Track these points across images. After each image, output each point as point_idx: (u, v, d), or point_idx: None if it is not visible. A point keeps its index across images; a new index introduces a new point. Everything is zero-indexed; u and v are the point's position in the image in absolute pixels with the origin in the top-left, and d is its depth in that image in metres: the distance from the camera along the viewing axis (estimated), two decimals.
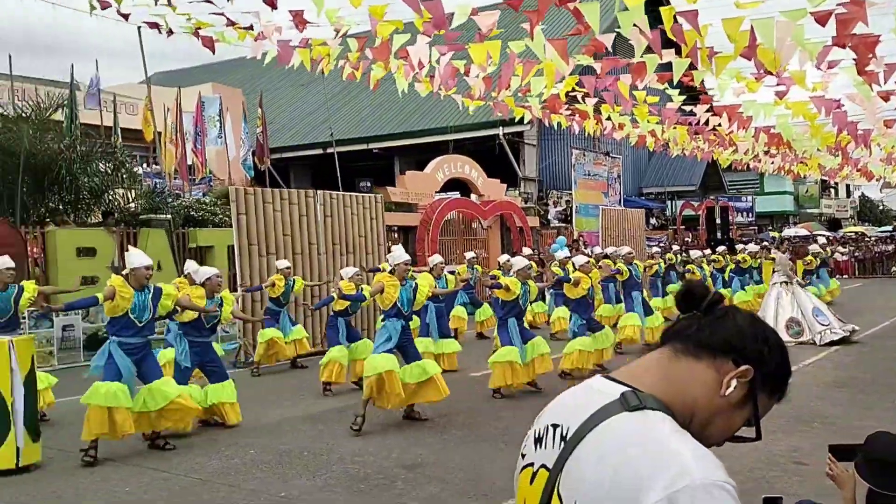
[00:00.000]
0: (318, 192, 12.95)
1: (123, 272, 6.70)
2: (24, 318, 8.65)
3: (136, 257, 6.70)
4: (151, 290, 6.63)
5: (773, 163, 18.43)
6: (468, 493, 5.12)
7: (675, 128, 13.32)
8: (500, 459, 5.91)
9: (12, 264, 7.86)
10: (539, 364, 8.28)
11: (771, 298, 11.90)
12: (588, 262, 9.93)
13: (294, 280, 10.94)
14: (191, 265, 8.98)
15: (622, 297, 11.59)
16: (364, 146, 28.08)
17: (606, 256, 11.54)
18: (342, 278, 9.56)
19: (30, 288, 7.96)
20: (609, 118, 12.18)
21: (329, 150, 27.38)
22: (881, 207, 56.39)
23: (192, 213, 15.66)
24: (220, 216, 16.32)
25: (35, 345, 7.09)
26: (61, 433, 7.11)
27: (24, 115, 13.26)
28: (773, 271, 12.73)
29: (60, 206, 13.95)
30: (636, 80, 8.62)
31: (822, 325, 11.29)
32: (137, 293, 6.49)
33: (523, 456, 1.36)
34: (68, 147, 13.54)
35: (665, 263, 14.75)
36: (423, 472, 5.64)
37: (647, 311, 11.24)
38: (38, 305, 7.18)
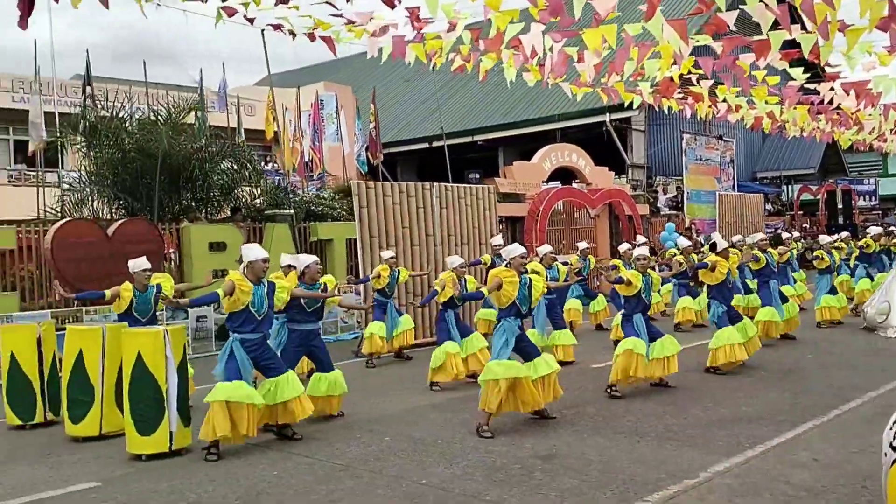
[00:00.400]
0: (434, 184, 13.12)
1: (241, 267, 6.74)
2: (161, 310, 9.09)
3: (253, 251, 6.71)
4: (266, 285, 6.63)
5: None
6: (608, 486, 5.08)
7: (794, 108, 12.70)
8: (636, 452, 5.84)
9: (149, 265, 8.12)
10: (667, 365, 7.95)
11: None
12: (726, 246, 9.56)
13: (399, 270, 11.00)
14: (285, 258, 9.08)
15: (758, 286, 11.13)
16: (469, 138, 28.24)
17: (733, 245, 11.10)
18: (447, 268, 9.38)
19: (167, 286, 8.26)
20: (724, 100, 11.76)
21: (435, 144, 27.86)
22: None
23: (312, 207, 16.20)
24: (339, 210, 16.81)
25: None
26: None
27: (160, 118, 14.05)
28: None
29: (193, 203, 14.74)
30: (758, 59, 8.26)
31: None
32: (256, 287, 6.52)
33: (894, 449, 1.32)
34: (200, 147, 14.28)
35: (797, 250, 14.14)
36: (559, 463, 5.64)
37: (783, 300, 10.77)
38: (170, 302, 7.46)
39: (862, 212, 31.34)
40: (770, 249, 11.22)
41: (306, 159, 19.78)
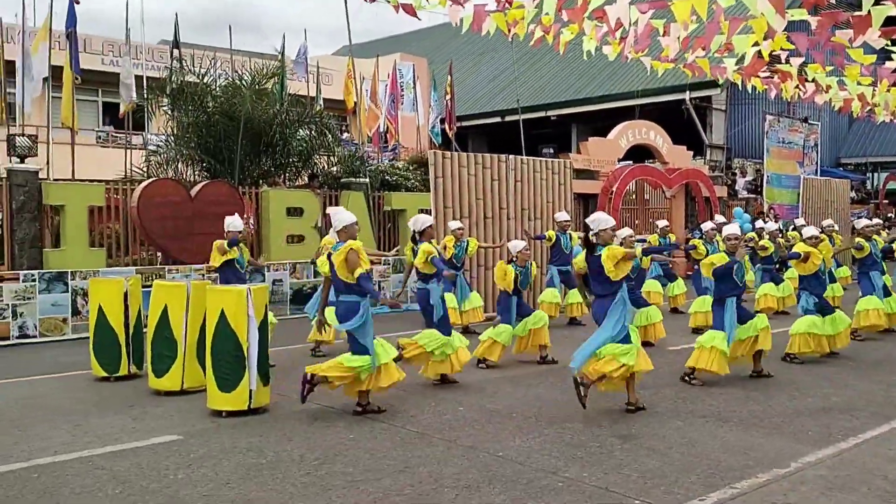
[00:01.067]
0: (510, 156, 12.95)
1: (332, 230, 6.83)
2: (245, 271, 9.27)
3: (345, 213, 6.64)
4: None
5: None
6: (692, 470, 4.92)
7: (888, 90, 11.99)
8: (720, 437, 5.65)
9: (241, 226, 8.48)
10: (761, 341, 7.55)
11: None
12: (817, 234, 9.09)
13: (467, 241, 10.69)
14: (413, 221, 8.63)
15: (858, 277, 10.54)
16: (542, 113, 27.83)
17: (822, 231, 10.58)
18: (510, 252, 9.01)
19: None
20: (813, 80, 11.17)
21: (508, 119, 27.56)
22: None
23: (386, 177, 16.25)
24: (412, 181, 16.83)
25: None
26: (281, 380, 7.64)
27: (243, 83, 14.26)
28: None
29: (272, 168, 14.97)
30: (856, 36, 7.76)
31: None
32: None
33: None
34: (281, 113, 14.45)
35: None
36: (639, 443, 5.50)
37: (885, 292, 10.17)
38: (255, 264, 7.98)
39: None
40: (875, 237, 10.59)
41: (381, 129, 19.87)
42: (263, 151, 14.74)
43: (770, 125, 23.75)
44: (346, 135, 22.17)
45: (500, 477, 4.81)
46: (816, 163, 25.64)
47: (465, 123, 28.86)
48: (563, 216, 12.10)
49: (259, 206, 13.58)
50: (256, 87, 14.24)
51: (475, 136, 30.86)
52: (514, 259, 8.45)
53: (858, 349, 9.06)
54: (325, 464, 5.10)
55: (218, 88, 14.65)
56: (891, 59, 10.07)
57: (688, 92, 23.52)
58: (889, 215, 25.64)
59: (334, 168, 16.45)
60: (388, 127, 19.24)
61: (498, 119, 28.79)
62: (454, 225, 10.78)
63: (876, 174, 30.68)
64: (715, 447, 5.41)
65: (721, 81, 10.84)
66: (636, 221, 20.37)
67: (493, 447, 5.44)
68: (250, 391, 6.36)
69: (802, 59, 11.39)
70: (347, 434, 5.81)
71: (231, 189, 12.96)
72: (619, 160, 20.31)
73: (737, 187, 24.66)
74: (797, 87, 11.68)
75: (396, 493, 4.53)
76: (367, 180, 15.37)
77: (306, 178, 15.92)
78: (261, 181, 14.64)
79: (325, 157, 16.13)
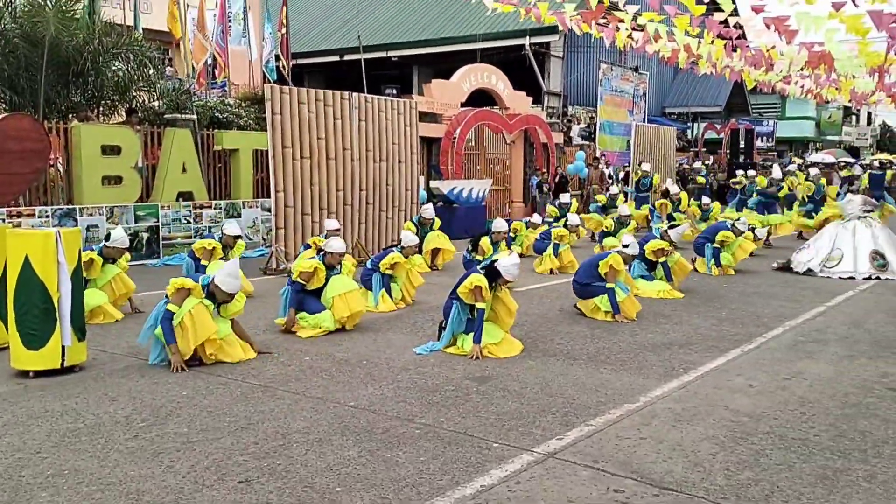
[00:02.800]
0: (354, 94, 12.35)
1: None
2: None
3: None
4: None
5: (802, 85, 17.77)
6: (548, 409, 4.85)
7: (712, 43, 12.65)
8: (571, 376, 5.65)
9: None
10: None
11: (846, 230, 11.30)
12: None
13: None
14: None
15: None
16: (383, 53, 27.11)
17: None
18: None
19: None
20: (643, 28, 11.52)
21: (347, 58, 26.61)
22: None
23: (216, 114, 15.07)
24: (245, 119, 15.76)
25: None
26: (102, 335, 6.86)
27: (47, 2, 12.47)
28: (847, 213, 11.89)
29: (83, 101, 13.37)
30: None
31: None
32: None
33: None
34: (93, 39, 12.85)
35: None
36: (495, 385, 5.37)
37: None
38: None
39: (760, 152, 32.50)
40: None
41: (209, 63, 18.39)
42: (73, 83, 13.12)
43: (604, 73, 24.58)
44: (169, 69, 20.38)
45: (353, 428, 4.49)
46: (645, 111, 26.96)
47: (300, 61, 27.54)
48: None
49: (69, 143, 12.12)
50: (63, 8, 12.51)
51: (312, 74, 29.61)
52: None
53: (691, 287, 9.54)
54: (156, 425, 4.53)
55: (16, 6, 12.77)
56: (720, 11, 10.54)
57: (528, 37, 23.75)
58: (707, 162, 27.57)
59: (156, 103, 15.02)
60: (216, 61, 17.82)
61: (336, 58, 27.75)
62: (332, 225, 10.10)
63: (696, 123, 32.90)
64: (568, 385, 5.39)
65: (561, 28, 10.80)
66: (477, 167, 20.46)
67: (343, 397, 5.10)
68: (63, 347, 5.58)
69: (638, 7, 11.66)
70: (180, 391, 5.24)
71: (35, 123, 11.41)
72: (462, 104, 20.22)
73: (572, 134, 25.45)
74: (629, 35, 12.00)
75: (239, 453, 4.09)
76: (195, 117, 14.17)
77: (124, 114, 14.43)
78: (70, 115, 13.06)
79: (147, 91, 14.65)
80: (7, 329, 6.20)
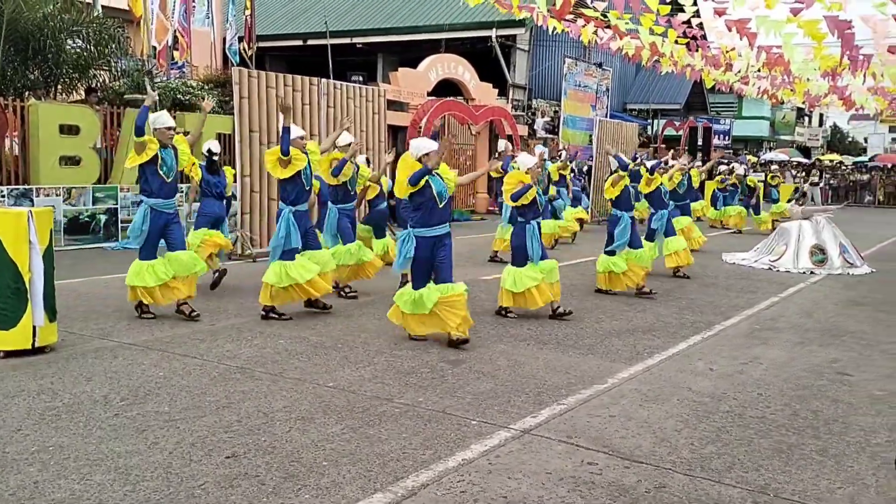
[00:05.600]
0: (322, 80, 12.35)
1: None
2: None
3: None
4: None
5: (758, 86, 18.31)
6: (521, 389, 5.02)
7: (676, 42, 12.98)
8: (542, 359, 5.84)
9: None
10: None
11: (793, 226, 11.75)
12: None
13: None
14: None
15: None
16: (348, 40, 26.95)
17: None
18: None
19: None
20: (609, 25, 11.77)
21: (310, 42, 26.39)
22: (850, 139, 56.93)
23: (178, 96, 14.88)
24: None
25: None
26: (68, 317, 6.81)
27: None
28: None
29: (41, 80, 13.10)
30: None
31: (848, 262, 11.22)
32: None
33: None
34: (52, 15, 12.58)
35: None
36: (469, 367, 5.52)
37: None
38: None
39: (717, 150, 33.22)
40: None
41: (170, 43, 18.10)
42: (31, 60, 12.84)
43: (568, 68, 24.86)
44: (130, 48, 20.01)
45: (334, 407, 4.59)
46: (607, 107, 27.36)
47: (262, 44, 27.18)
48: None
49: (26, 121, 11.89)
50: None
51: (274, 59, 29.25)
52: None
53: (651, 278, 9.80)
54: (135, 404, 4.57)
55: None
56: (682, 12, 10.82)
57: (494, 29, 23.87)
58: (666, 158, 28.05)
59: (117, 83, 14.77)
60: (177, 41, 17.54)
61: (299, 42, 27.50)
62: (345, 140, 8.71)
63: (656, 120, 33.49)
64: (538, 368, 5.57)
65: (528, 21, 10.96)
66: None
67: (322, 378, 5.19)
68: (34, 327, 5.55)
69: (606, 4, 11.89)
70: (156, 372, 5.27)
71: None
72: (429, 93, 20.29)
73: (536, 127, 25.70)
74: (595, 31, 12.24)
75: (223, 430, 4.16)
76: (157, 98, 13.96)
77: (83, 93, 14.18)
78: (27, 93, 12.78)
79: (107, 71, 14.40)
80: None
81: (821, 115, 49.38)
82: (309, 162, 7.05)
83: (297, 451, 3.91)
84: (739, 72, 16.59)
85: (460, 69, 21.24)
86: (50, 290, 5.68)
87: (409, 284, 6.30)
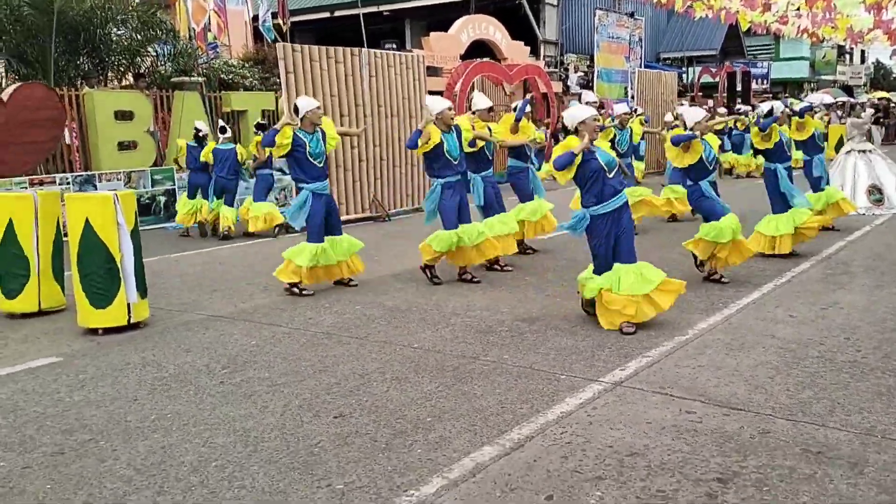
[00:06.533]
0: (364, 50, 12.38)
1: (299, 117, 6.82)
2: None
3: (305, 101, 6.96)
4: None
5: (797, 25, 17.82)
6: (603, 344, 5.11)
7: None
8: None
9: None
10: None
11: (848, 166, 11.51)
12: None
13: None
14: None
15: None
16: (375, 8, 26.80)
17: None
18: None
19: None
20: None
21: (337, 14, 26.31)
22: (894, 75, 55.20)
23: (222, 75, 15.05)
24: (251, 79, 15.74)
25: None
26: (153, 292, 7.04)
27: None
28: (848, 138, 12.18)
29: (91, 69, 13.35)
30: None
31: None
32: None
33: None
34: (101, 5, 12.77)
35: None
36: (545, 324, 5.63)
37: None
38: None
39: (755, 94, 32.52)
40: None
41: (208, 24, 18.24)
42: (81, 50, 13.06)
43: (600, 20, 24.46)
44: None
45: (425, 366, 4.74)
46: (641, 57, 26.91)
47: (290, 19, 27.20)
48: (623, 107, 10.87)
49: (81, 110, 12.15)
50: None
51: (302, 33, 29.18)
52: None
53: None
54: (237, 372, 4.77)
55: None
56: None
57: None
58: (704, 107, 27.59)
59: (162, 67, 14.99)
60: (216, 21, 17.65)
61: (327, 14, 27.43)
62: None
63: (692, 68, 32.84)
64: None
65: None
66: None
67: (406, 340, 5.34)
68: (128, 305, 5.78)
69: None
70: (248, 341, 5.47)
71: (48, 91, 11.43)
72: (461, 56, 20.16)
73: (570, 82, 25.44)
74: None
75: (325, 392, 4.33)
76: (202, 79, 14.16)
77: (132, 79, 14.42)
78: (80, 83, 13.03)
79: (154, 56, 14.60)
80: (64, 291, 6.44)
81: (862, 52, 47.91)
82: (324, 138, 6.91)
83: (400, 408, 4.06)
84: (778, 11, 16.18)
85: (491, 29, 21.05)
86: (140, 268, 5.90)
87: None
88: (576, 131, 5.38)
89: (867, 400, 3.99)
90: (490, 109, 7.83)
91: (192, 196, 11.14)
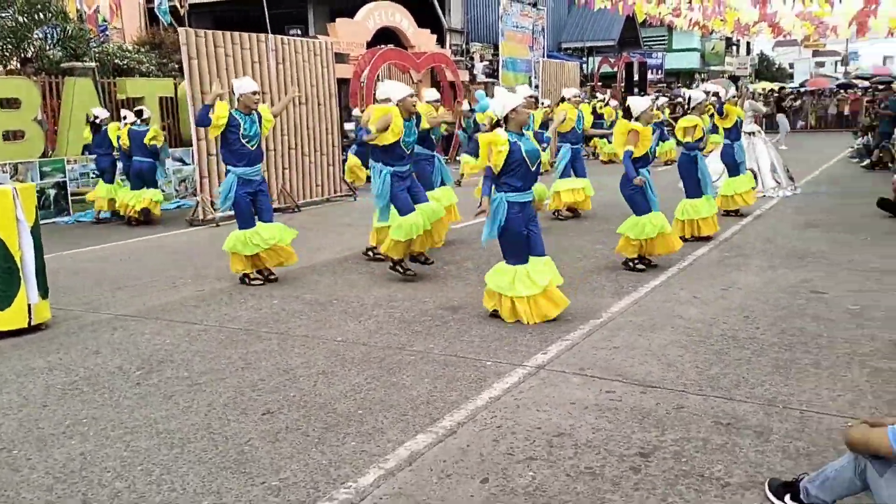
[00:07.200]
0: (270, 35, 12.10)
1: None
2: None
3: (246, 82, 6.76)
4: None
5: (689, 18, 18.67)
6: (524, 330, 5.23)
7: None
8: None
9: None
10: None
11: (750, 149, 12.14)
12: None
13: None
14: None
15: None
16: None
17: None
18: None
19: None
20: None
21: None
22: (777, 65, 58.51)
23: (116, 61, 14.37)
24: (147, 65, 15.10)
25: None
26: (54, 293, 6.70)
27: None
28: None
29: None
30: None
31: (776, 182, 11.81)
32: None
33: None
34: None
35: None
36: (468, 313, 5.71)
37: None
38: None
39: (651, 84, 33.78)
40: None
41: (98, 7, 17.35)
42: None
43: (504, 9, 24.73)
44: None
45: (351, 359, 4.73)
46: (543, 47, 27.41)
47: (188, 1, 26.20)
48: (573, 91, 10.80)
49: None
50: None
51: (198, 16, 28.21)
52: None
53: (608, 214, 10.11)
54: (153, 372, 4.62)
55: None
56: None
57: None
58: (603, 96, 28.41)
59: (51, 52, 14.17)
60: (102, 5, 16.81)
61: None
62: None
63: (591, 58, 33.75)
64: None
65: None
66: None
67: (328, 334, 5.31)
68: (29, 306, 5.49)
69: None
70: (162, 340, 5.30)
71: None
72: (367, 43, 20.01)
73: (475, 71, 25.66)
74: None
75: (250, 389, 4.26)
76: (94, 65, 13.49)
77: (18, 65, 13.57)
78: None
79: (42, 39, 13.78)
80: None
81: (748, 44, 50.51)
82: (260, 122, 6.76)
83: (330, 402, 4.05)
84: (672, 4, 16.91)
85: (398, 16, 20.98)
86: (41, 267, 5.60)
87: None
88: (506, 119, 5.28)
89: (768, 373, 4.28)
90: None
91: (110, 181, 11.51)
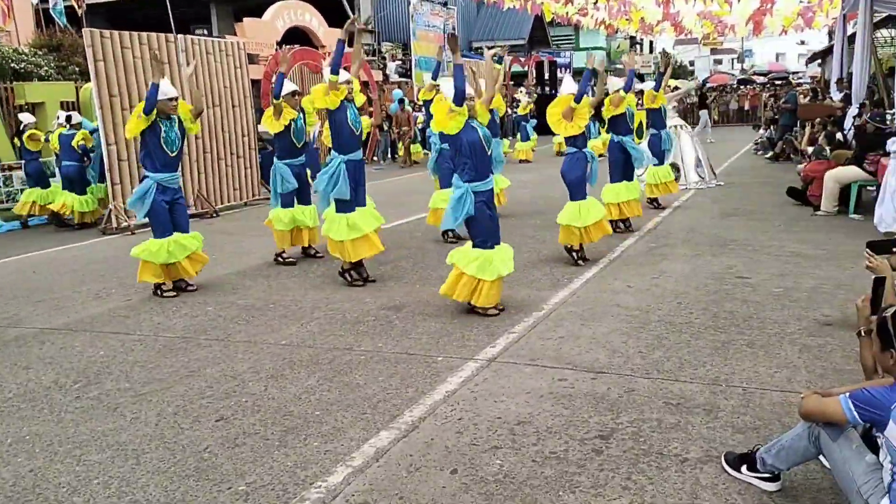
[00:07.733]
0: (180, 36, 11.73)
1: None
2: None
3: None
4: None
5: (595, 17, 19.30)
6: (470, 325, 5.29)
7: None
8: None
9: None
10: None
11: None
12: None
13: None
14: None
15: None
16: None
17: None
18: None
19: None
20: None
21: None
22: (678, 63, 60.86)
23: (12, 65, 13.60)
24: (46, 68, 14.37)
25: None
26: None
27: None
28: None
29: None
30: None
31: (699, 176, 12.33)
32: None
33: None
34: None
35: None
36: (411, 311, 5.72)
37: None
38: None
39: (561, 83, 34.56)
40: None
41: None
42: None
43: (415, 8, 24.84)
44: None
45: (300, 362, 4.67)
46: None
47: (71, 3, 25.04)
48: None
49: None
50: None
51: (93, 16, 27.01)
52: None
53: (538, 209, 10.35)
54: (91, 385, 4.42)
55: None
56: None
57: None
58: (514, 96, 28.89)
59: None
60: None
61: None
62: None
63: (502, 58, 34.17)
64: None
65: None
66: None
67: (271, 337, 5.22)
68: None
69: None
70: (95, 352, 5.08)
71: None
72: (277, 43, 19.67)
73: (388, 71, 25.63)
74: None
75: (199, 396, 4.15)
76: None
77: None
78: None
79: None
80: None
81: (651, 43, 52.40)
82: (181, 126, 6.59)
83: (284, 405, 3.99)
84: (578, 3, 17.41)
85: (307, 16, 20.72)
86: None
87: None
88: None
89: (707, 355, 4.49)
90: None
91: (39, 185, 11.62)
